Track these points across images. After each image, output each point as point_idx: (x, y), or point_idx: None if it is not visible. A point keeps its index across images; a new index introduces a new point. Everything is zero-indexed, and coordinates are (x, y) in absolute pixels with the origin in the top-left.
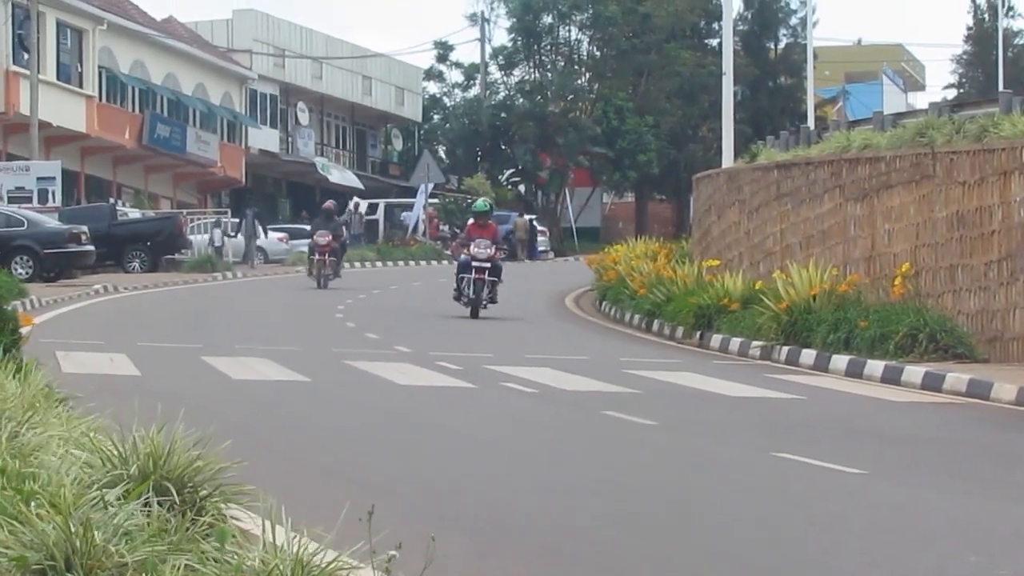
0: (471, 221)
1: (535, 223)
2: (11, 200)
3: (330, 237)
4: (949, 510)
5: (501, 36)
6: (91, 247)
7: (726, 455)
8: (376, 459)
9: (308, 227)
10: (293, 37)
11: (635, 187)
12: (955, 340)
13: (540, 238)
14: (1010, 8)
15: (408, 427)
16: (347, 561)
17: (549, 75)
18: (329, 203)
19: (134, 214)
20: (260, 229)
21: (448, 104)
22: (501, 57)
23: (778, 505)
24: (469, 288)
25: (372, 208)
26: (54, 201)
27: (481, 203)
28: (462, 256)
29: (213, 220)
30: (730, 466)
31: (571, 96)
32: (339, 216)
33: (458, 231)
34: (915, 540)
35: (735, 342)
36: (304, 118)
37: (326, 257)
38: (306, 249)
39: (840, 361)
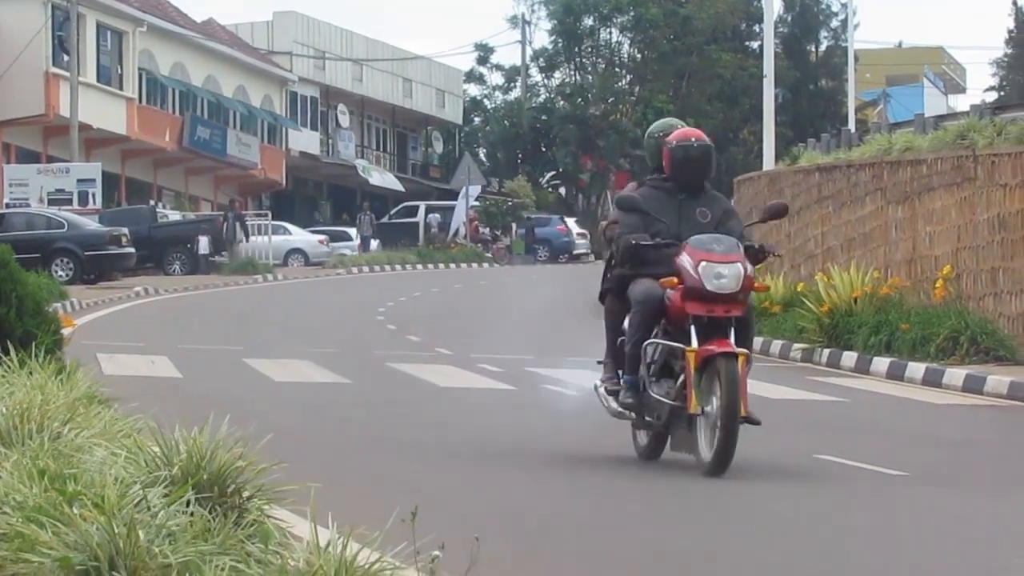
0: None
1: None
2: (51, 202)
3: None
4: (993, 512)
5: (542, 38)
6: (131, 249)
7: (768, 457)
8: (418, 461)
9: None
10: (334, 39)
11: None
12: (996, 343)
13: (581, 241)
14: None
15: (450, 429)
16: (391, 562)
17: (590, 77)
18: None
19: (174, 216)
20: (242, 231)
21: (489, 107)
22: (542, 59)
23: (820, 507)
24: None
25: (412, 211)
26: (94, 203)
27: None
28: None
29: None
30: (772, 467)
31: (612, 99)
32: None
33: (498, 234)
34: (959, 542)
35: (776, 344)
36: (344, 120)
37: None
38: (349, 251)
39: (881, 364)
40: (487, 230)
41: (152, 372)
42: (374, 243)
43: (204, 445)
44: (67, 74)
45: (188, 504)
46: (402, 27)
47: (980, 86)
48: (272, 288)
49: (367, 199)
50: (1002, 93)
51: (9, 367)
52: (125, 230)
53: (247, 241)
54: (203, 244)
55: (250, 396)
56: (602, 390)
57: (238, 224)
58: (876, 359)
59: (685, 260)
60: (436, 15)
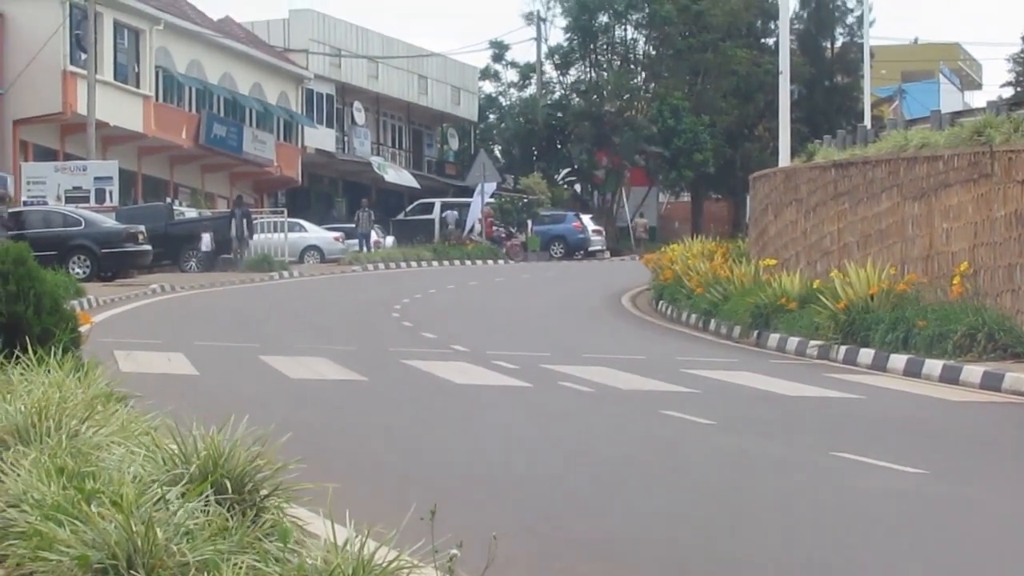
0: None
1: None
2: (69, 200)
3: None
4: (1011, 510)
5: (557, 35)
6: (148, 247)
7: (785, 454)
8: (435, 458)
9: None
10: (349, 37)
11: (691, 186)
12: (1014, 339)
13: (596, 237)
14: None
15: (467, 426)
16: (409, 560)
17: (605, 74)
18: None
19: (191, 214)
20: (247, 229)
21: (504, 103)
22: (557, 56)
23: (838, 505)
24: None
25: (428, 208)
26: (111, 201)
27: None
28: None
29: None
30: (789, 465)
31: (627, 95)
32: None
33: (513, 231)
34: (977, 540)
35: (792, 341)
36: (360, 118)
37: None
38: (358, 246)
39: (898, 360)
40: (502, 227)
41: (169, 369)
42: (389, 239)
43: (222, 443)
44: (84, 72)
45: (206, 502)
46: (418, 25)
47: (996, 82)
48: (288, 285)
49: (373, 195)
50: (1019, 89)
51: (27, 365)
52: (142, 227)
53: (251, 239)
54: (206, 241)
55: (267, 393)
56: None
57: (245, 221)
58: (893, 356)
59: None
60: (451, 12)
